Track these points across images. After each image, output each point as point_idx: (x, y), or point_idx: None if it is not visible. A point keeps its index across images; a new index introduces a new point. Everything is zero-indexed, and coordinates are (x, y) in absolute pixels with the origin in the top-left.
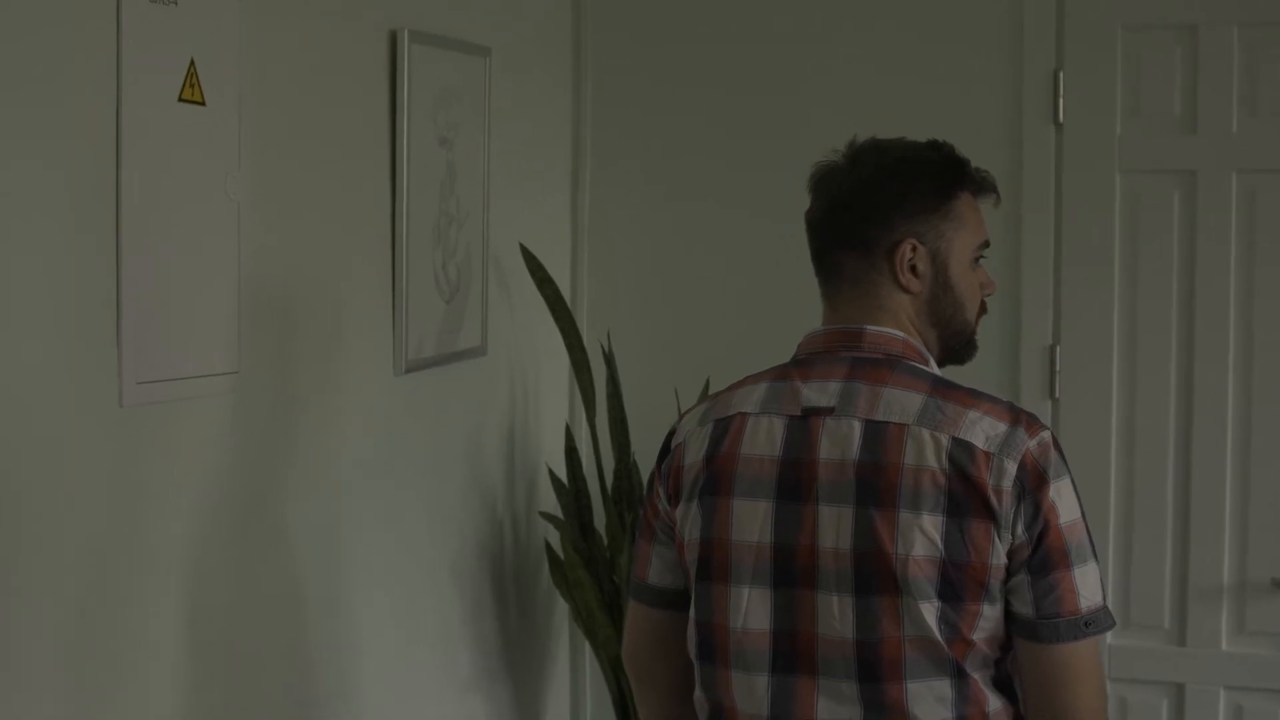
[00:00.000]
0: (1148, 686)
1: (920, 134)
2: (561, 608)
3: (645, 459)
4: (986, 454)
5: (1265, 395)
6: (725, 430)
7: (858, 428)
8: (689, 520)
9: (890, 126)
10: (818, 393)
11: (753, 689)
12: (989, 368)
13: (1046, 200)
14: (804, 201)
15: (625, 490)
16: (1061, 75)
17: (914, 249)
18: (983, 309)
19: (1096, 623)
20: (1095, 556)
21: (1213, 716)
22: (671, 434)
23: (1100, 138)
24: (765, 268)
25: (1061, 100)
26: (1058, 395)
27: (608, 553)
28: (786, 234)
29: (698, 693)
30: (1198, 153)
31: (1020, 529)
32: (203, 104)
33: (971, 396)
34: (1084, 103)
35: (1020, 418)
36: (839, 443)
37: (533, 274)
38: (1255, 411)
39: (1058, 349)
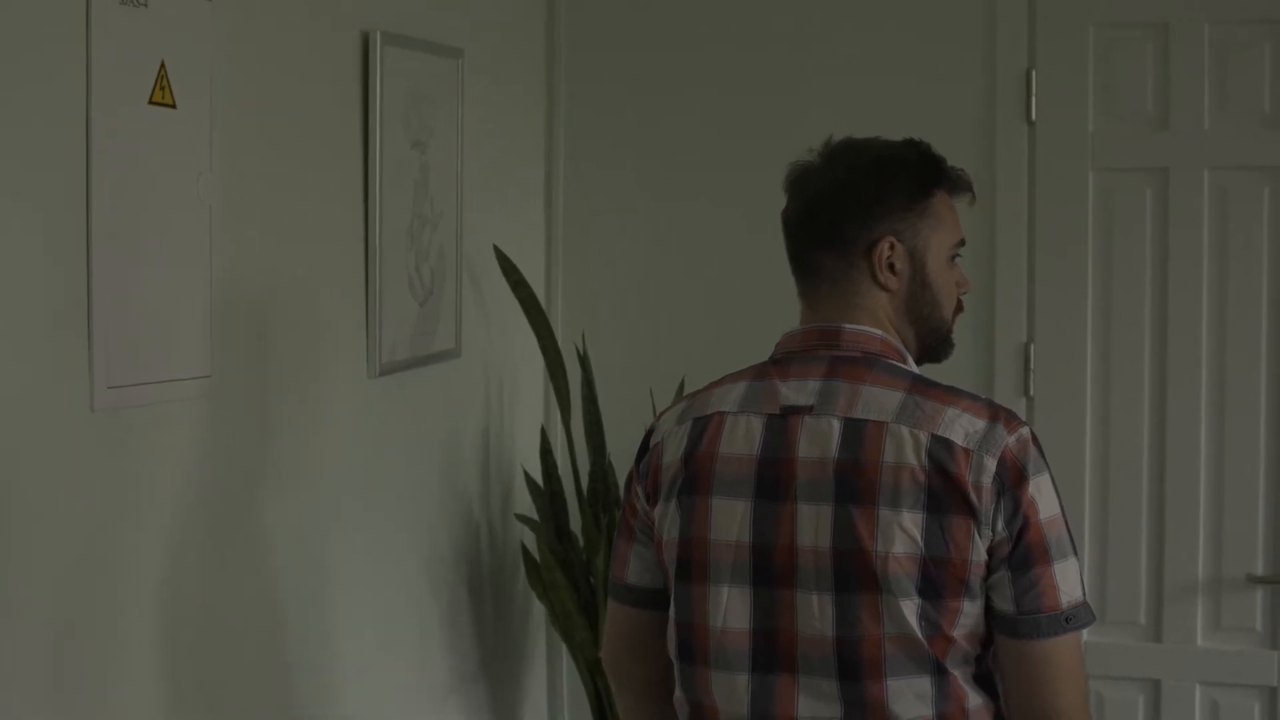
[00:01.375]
0: (1124, 683)
1: (894, 133)
2: (538, 610)
3: (620, 461)
4: (966, 450)
5: (1239, 391)
6: (704, 429)
7: (837, 426)
8: (667, 520)
9: (863, 126)
10: (796, 391)
11: (733, 688)
12: (964, 365)
13: (1020, 198)
14: (778, 202)
15: (601, 492)
16: (1034, 73)
17: (892, 247)
18: (959, 307)
19: (1077, 618)
20: (1075, 552)
21: (1188, 712)
22: (650, 433)
23: (1073, 135)
24: (740, 268)
25: (1034, 98)
26: (1032, 393)
27: (584, 555)
28: (760, 234)
29: (678, 693)
30: (1170, 150)
31: (1000, 525)
32: (173, 106)
33: (950, 394)
34: (1056, 100)
35: (999, 414)
36: (818, 441)
37: (507, 276)
38: (1229, 407)
39: (1032, 346)
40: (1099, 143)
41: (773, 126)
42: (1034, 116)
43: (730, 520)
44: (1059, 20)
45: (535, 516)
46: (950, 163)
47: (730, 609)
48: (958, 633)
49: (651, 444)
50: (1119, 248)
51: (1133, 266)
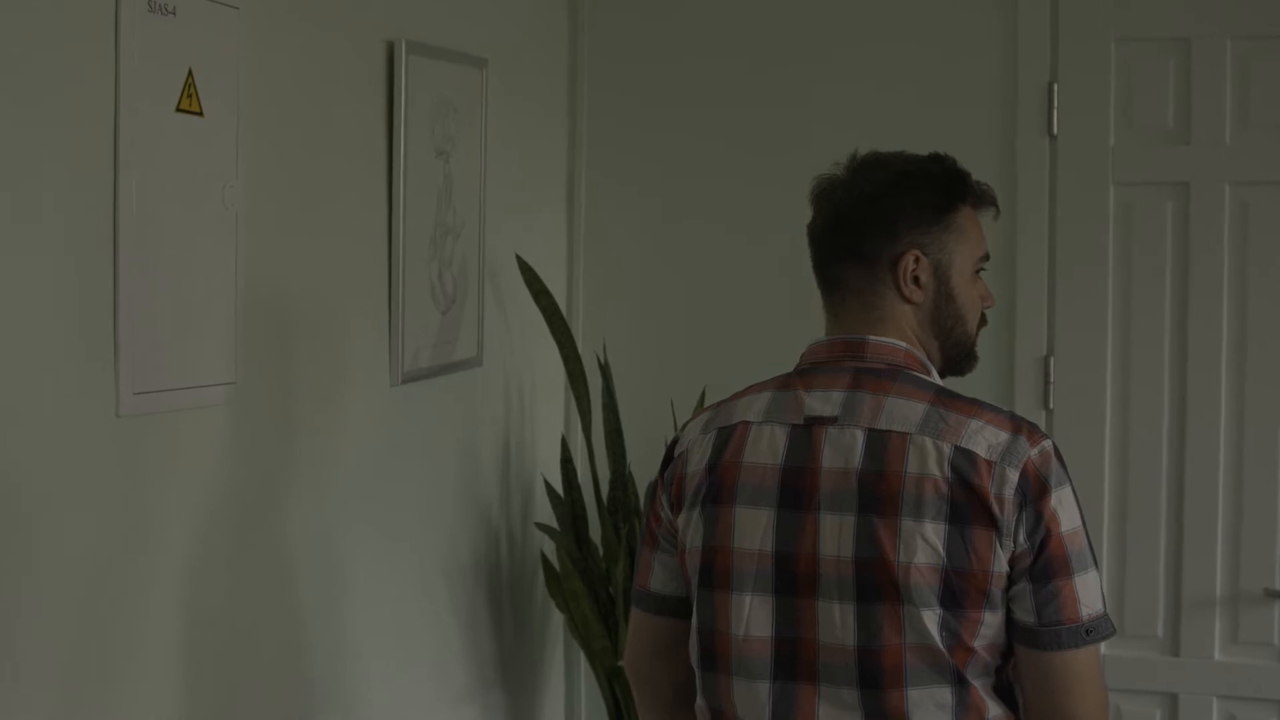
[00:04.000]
0: (1142, 696)
1: (915, 147)
2: (557, 619)
3: (641, 470)
4: (988, 462)
5: (1258, 406)
6: (728, 439)
7: (860, 437)
8: (691, 528)
9: (885, 139)
10: (821, 402)
11: (754, 696)
12: (984, 379)
13: (1041, 212)
14: (799, 214)
15: (620, 501)
16: (1056, 87)
17: (917, 260)
18: (982, 321)
19: (1097, 630)
20: (1096, 564)
21: None
22: (675, 442)
23: (1094, 149)
24: (760, 279)
25: (1055, 112)
26: (1052, 406)
27: (603, 564)
28: (782, 246)
29: (699, 700)
30: (1191, 164)
31: (1022, 537)
32: (200, 114)
33: (973, 405)
34: (1078, 115)
35: (1022, 427)
36: (842, 451)
37: (529, 285)
38: (1248, 422)
39: (1052, 360)
40: (1120, 157)
41: (794, 139)
42: (1055, 130)
43: (753, 529)
44: (1081, 34)
45: (555, 525)
46: (974, 177)
47: (752, 617)
48: (978, 643)
49: (676, 453)
50: (1139, 262)
51: (1153, 280)
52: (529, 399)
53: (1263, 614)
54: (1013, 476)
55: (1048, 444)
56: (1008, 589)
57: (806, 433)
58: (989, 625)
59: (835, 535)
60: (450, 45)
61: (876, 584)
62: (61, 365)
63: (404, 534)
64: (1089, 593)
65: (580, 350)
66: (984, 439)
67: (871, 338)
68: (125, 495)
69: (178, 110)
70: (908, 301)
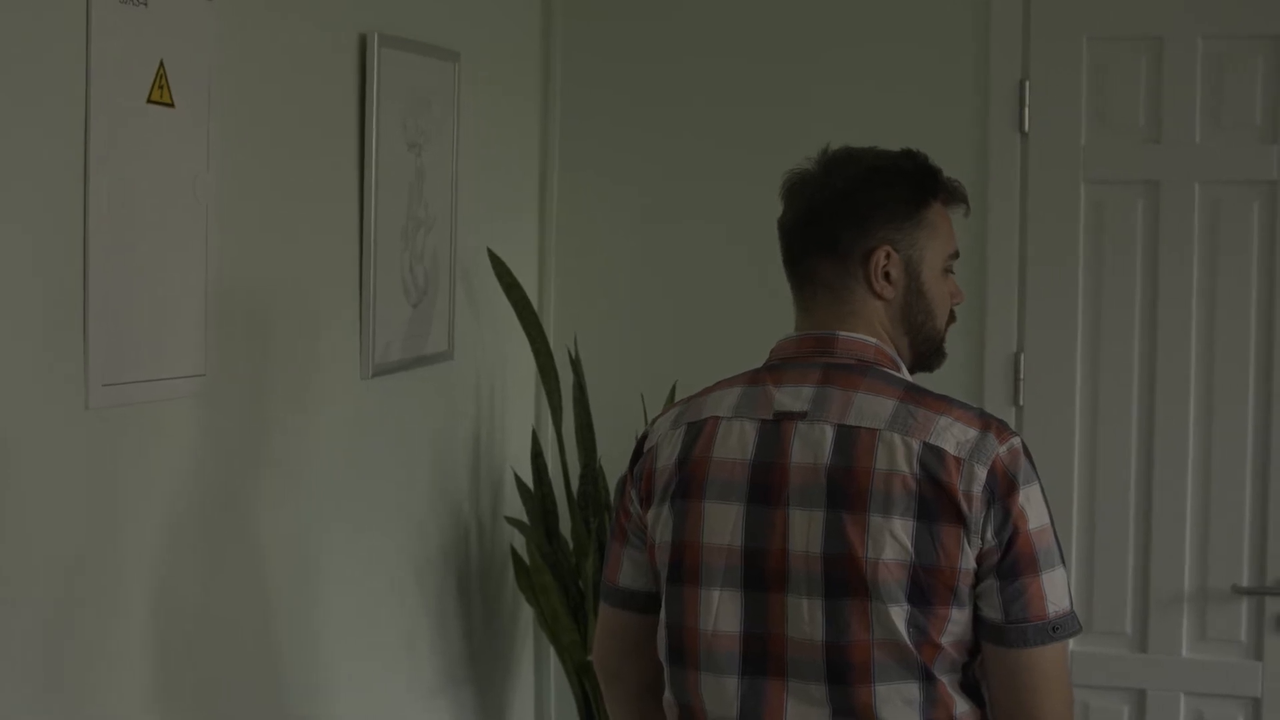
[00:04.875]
0: (1109, 692)
1: (887, 143)
2: (526, 612)
3: (611, 464)
4: (957, 459)
5: (1226, 404)
6: (698, 434)
7: (830, 432)
8: (660, 523)
9: (857, 136)
10: (790, 397)
11: (722, 691)
12: (954, 375)
13: (1012, 209)
14: (770, 210)
15: (591, 495)
16: (1027, 85)
17: (888, 256)
18: (952, 317)
19: (1064, 627)
20: (1063, 562)
21: None
22: (644, 437)
23: (1065, 147)
24: (731, 275)
25: (1027, 110)
26: (1021, 403)
27: (573, 558)
28: (753, 242)
29: (667, 695)
30: (1161, 163)
31: (990, 534)
32: (172, 106)
33: (943, 402)
34: (1049, 112)
35: (991, 424)
36: (811, 447)
37: (500, 279)
38: (1216, 419)
39: (1022, 357)
40: (1091, 155)
41: (765, 136)
42: (1027, 128)
43: (723, 524)
44: (1053, 32)
45: (525, 519)
46: (945, 174)
47: (721, 612)
48: (946, 640)
49: (646, 448)
50: (1109, 259)
51: (1123, 278)
52: (500, 393)
53: (1230, 611)
54: (981, 474)
55: (1016, 441)
56: (975, 586)
57: (776, 428)
58: (956, 622)
59: (804, 531)
60: (423, 38)
61: (845, 580)
62: (31, 357)
63: (374, 527)
64: (1056, 590)
65: (551, 344)
66: (953, 436)
67: (841, 333)
68: (94, 487)
69: (149, 101)
70: (878, 297)
